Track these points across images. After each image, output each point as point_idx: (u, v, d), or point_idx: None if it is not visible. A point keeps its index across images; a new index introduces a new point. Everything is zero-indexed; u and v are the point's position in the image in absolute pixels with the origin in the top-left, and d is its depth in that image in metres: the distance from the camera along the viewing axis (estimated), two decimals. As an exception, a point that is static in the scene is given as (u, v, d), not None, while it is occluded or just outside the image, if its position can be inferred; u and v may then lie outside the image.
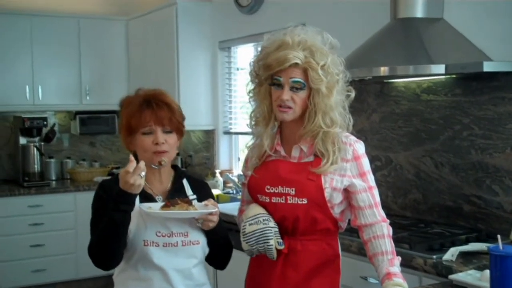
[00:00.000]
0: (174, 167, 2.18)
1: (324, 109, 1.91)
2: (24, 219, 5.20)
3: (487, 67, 2.61)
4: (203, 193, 2.16)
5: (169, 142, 2.03)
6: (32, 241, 5.23)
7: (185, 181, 2.16)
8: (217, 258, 2.15)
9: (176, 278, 2.02)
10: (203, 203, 2.01)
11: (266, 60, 1.94)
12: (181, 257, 2.02)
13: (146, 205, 1.97)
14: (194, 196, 2.12)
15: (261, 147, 2.04)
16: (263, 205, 2.02)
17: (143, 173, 1.87)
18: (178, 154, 5.62)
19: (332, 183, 1.95)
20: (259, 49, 2.04)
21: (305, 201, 1.95)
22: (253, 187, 2.06)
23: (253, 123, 2.07)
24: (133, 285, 2.03)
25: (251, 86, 2.06)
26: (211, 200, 2.01)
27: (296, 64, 1.88)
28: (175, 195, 2.07)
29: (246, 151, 2.18)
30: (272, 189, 1.99)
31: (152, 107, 2.01)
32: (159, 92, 2.08)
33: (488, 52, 2.83)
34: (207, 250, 2.09)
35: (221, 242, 2.10)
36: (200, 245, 2.05)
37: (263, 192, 2.01)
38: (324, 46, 1.93)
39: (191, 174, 2.38)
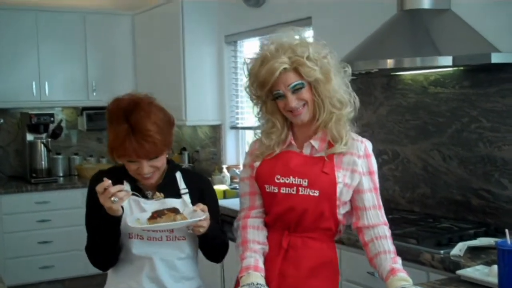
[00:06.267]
0: (168, 161, 2.14)
1: (329, 95, 1.92)
2: (31, 215, 5.21)
3: (495, 58, 2.58)
4: (198, 187, 2.13)
5: (156, 165, 2.00)
6: (39, 237, 5.24)
7: (178, 174, 2.13)
8: (210, 255, 2.14)
9: (161, 267, 2.02)
10: (192, 208, 1.97)
11: (257, 80, 1.94)
12: (166, 248, 2.03)
13: (135, 217, 1.96)
14: (186, 190, 2.09)
15: (270, 145, 2.02)
16: (271, 196, 1.99)
17: (115, 199, 1.82)
18: (185, 149, 5.64)
19: (345, 179, 1.94)
20: (247, 74, 2.02)
21: (316, 193, 1.93)
22: (261, 177, 2.01)
23: (264, 137, 2.04)
24: (123, 272, 2.06)
25: (257, 109, 2.07)
26: (200, 205, 1.95)
27: (285, 69, 1.89)
28: (164, 188, 2.05)
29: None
30: (282, 179, 1.96)
31: (136, 140, 1.90)
32: (143, 114, 1.93)
33: (496, 43, 2.79)
34: (196, 246, 2.08)
35: (213, 243, 2.06)
36: (186, 241, 2.04)
37: (272, 182, 1.97)
38: (300, 39, 1.94)
39: (189, 168, 2.34)
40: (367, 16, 3.44)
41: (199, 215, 1.90)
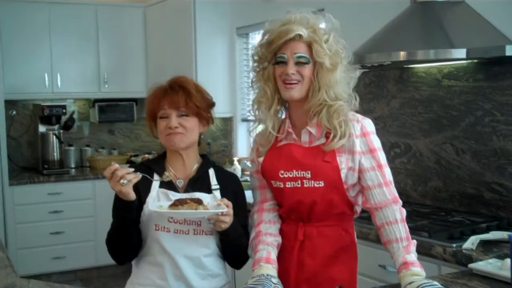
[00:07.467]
0: (202, 156, 2.16)
1: (328, 84, 1.89)
2: (43, 206, 5.25)
3: (510, 51, 2.55)
4: (230, 185, 2.11)
5: (184, 125, 2.01)
6: (52, 228, 5.28)
7: (211, 171, 2.12)
8: (229, 258, 2.10)
9: (186, 265, 2.00)
10: (216, 202, 1.96)
11: (269, 37, 1.93)
12: (192, 245, 2.00)
13: (157, 204, 1.96)
14: (217, 186, 2.08)
15: (266, 132, 2.01)
16: (278, 191, 1.99)
17: (124, 181, 1.82)
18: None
19: (348, 163, 1.92)
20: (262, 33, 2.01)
21: (322, 184, 1.92)
22: (267, 173, 2.01)
23: (255, 106, 2.03)
24: (147, 269, 2.04)
25: (253, 77, 2.05)
26: (224, 200, 1.93)
27: (300, 36, 1.87)
28: (196, 182, 2.05)
29: (251, 137, 2.16)
30: (286, 173, 1.95)
31: (168, 92, 2.02)
32: (181, 78, 2.09)
33: (511, 36, 2.76)
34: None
35: (234, 244, 2.02)
36: (213, 236, 2.02)
37: (277, 178, 1.97)
38: (325, 25, 1.94)
39: (221, 166, 2.34)
40: (381, 8, 3.42)
41: (222, 208, 1.89)
